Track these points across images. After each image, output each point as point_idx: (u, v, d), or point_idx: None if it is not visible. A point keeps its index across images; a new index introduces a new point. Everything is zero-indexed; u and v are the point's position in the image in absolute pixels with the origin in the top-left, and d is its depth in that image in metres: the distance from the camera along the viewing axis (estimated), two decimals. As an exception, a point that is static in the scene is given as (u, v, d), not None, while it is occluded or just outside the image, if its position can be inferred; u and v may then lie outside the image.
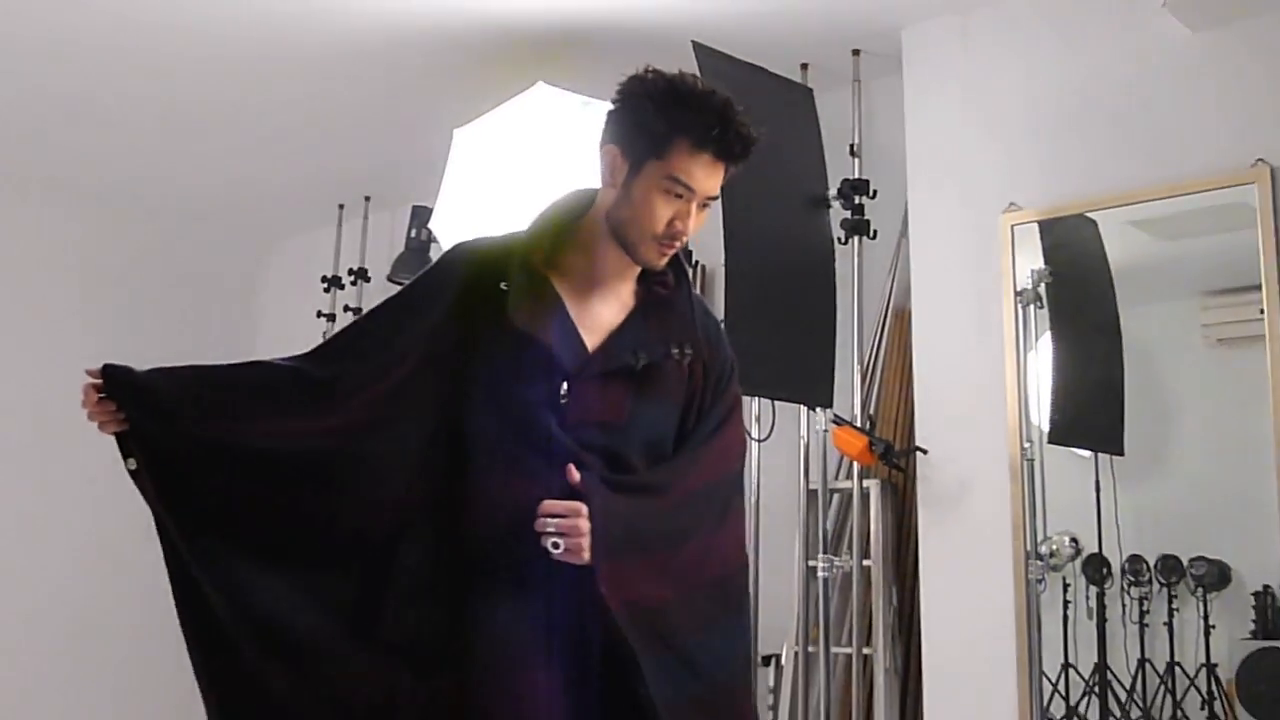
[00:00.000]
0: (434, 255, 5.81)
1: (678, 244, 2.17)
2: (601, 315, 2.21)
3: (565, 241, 2.22)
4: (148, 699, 6.65)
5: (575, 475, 2.04)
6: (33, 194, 6.52)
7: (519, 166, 4.14)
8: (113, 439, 2.14)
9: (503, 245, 2.22)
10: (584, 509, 2.02)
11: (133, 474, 2.11)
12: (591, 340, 2.17)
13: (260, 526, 2.12)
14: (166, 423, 2.12)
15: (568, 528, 2.01)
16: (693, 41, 4.09)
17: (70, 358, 6.56)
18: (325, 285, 6.70)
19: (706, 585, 2.21)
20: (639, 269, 2.24)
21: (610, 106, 2.20)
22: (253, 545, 2.11)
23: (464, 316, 2.14)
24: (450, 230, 4.41)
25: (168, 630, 2.22)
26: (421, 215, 5.85)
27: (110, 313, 6.78)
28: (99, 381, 2.10)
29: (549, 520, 2.01)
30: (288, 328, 7.15)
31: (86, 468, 6.49)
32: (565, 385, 2.11)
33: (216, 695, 2.15)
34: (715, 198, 2.17)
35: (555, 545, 2.01)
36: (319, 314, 6.73)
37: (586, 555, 2.01)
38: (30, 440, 6.40)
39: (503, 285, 2.12)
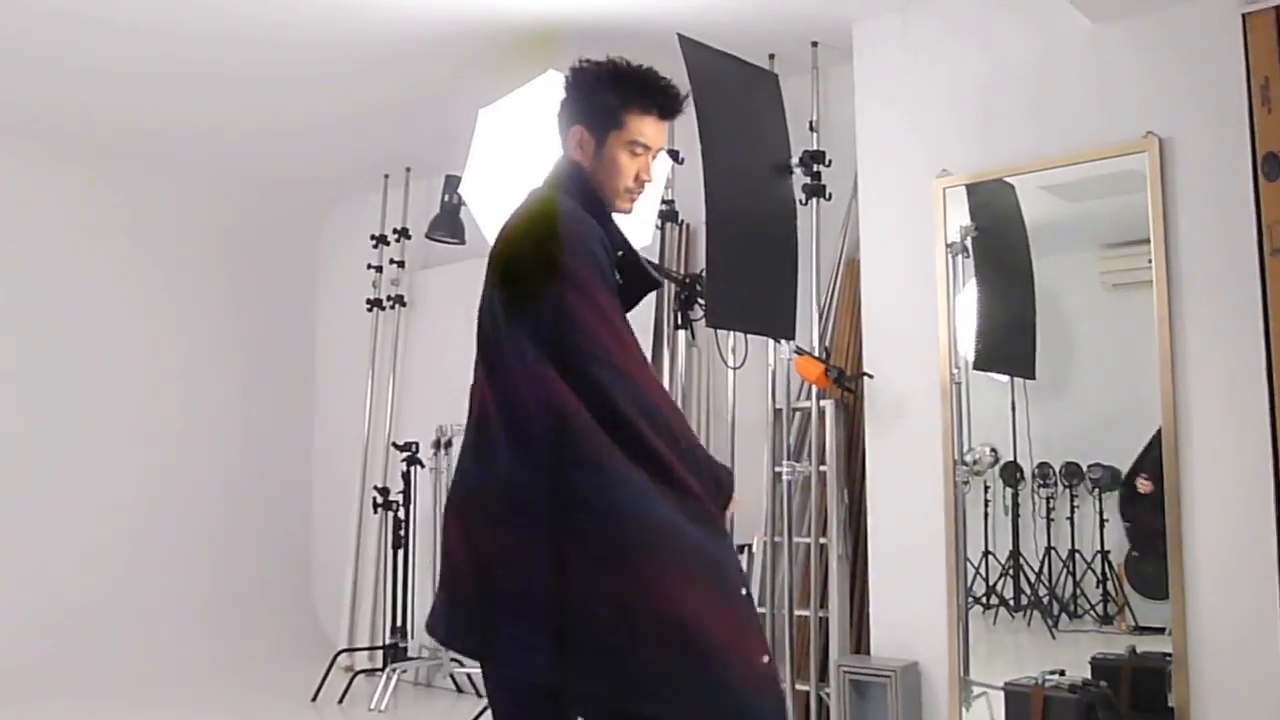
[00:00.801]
0: (463, 217, 5.92)
1: (642, 190, 2.27)
2: None
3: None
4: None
5: None
6: (134, 168, 6.59)
7: (532, 141, 4.15)
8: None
9: (593, 211, 2.21)
10: None
11: None
12: None
13: None
14: None
15: None
16: (678, 34, 4.09)
17: (173, 299, 6.75)
18: (373, 242, 6.75)
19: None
20: None
21: (564, 94, 2.28)
22: None
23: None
24: (476, 194, 4.43)
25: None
26: (453, 183, 5.87)
27: (201, 265, 6.88)
28: None
29: None
30: (342, 277, 7.28)
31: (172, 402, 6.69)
32: None
33: None
34: (663, 148, 2.27)
35: None
36: (368, 266, 6.81)
37: None
38: (135, 384, 6.55)
39: (619, 251, 2.20)
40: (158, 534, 6.55)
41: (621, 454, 1.96)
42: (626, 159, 2.20)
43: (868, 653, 4.52)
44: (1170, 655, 3.82)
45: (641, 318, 5.40)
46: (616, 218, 2.29)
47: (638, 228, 4.11)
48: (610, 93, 2.20)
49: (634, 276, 2.22)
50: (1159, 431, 3.92)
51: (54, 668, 5.78)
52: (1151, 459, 3.99)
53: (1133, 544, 4.23)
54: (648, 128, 2.20)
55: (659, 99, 2.21)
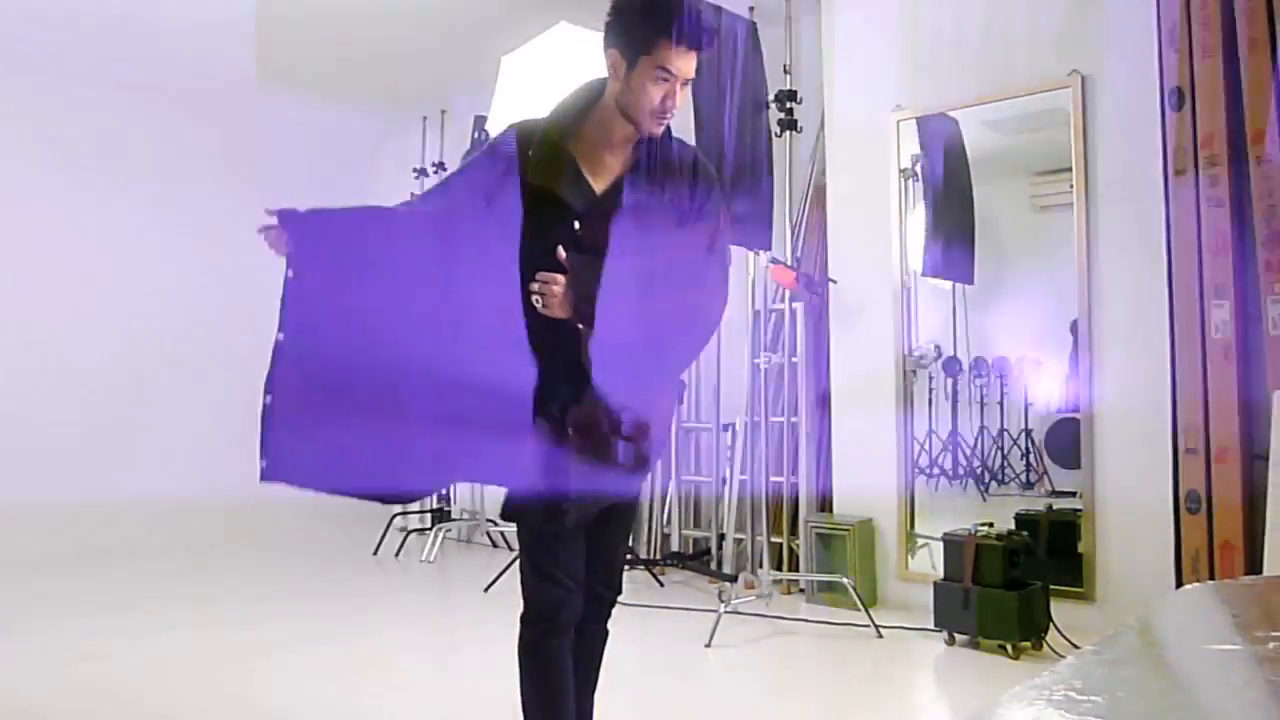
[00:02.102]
0: (492, 150, 5.88)
1: (668, 116, 2.07)
2: (612, 169, 2.12)
3: (584, 118, 2.11)
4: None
5: (561, 254, 2.00)
6: (197, 106, 6.51)
7: (548, 83, 4.15)
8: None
9: (534, 124, 2.13)
10: (561, 279, 1.98)
11: (288, 280, 2.08)
12: (599, 186, 2.10)
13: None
14: (321, 235, 2.19)
15: (546, 291, 2.00)
16: None
17: (232, 228, 6.71)
18: (415, 174, 6.72)
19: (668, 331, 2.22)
20: (637, 137, 2.13)
21: (607, 20, 2.11)
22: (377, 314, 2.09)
23: (510, 174, 2.05)
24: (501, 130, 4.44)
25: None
26: (480, 122, 5.84)
27: (274, 196, 6.80)
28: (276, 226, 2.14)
29: (540, 284, 2.01)
30: (390, 204, 7.25)
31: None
32: (577, 223, 2.05)
33: None
34: (692, 78, 2.07)
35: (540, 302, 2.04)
36: (412, 195, 6.77)
37: (555, 313, 2.02)
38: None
39: (530, 153, 2.06)
40: (241, 424, 6.57)
41: None
42: (653, 85, 2.02)
43: (831, 511, 4.59)
44: (1080, 511, 3.88)
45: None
46: None
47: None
48: (643, 21, 2.02)
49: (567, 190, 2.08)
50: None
51: (162, 530, 5.89)
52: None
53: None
54: (676, 57, 2.01)
55: (688, 29, 2.01)
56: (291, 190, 6.96)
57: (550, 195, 2.06)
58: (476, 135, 5.96)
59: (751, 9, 4.74)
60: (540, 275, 1.99)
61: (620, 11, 2.06)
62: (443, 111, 6.65)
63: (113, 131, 6.16)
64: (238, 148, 6.71)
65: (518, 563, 2.11)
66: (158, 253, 6.29)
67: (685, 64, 2.02)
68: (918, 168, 4.45)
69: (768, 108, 4.47)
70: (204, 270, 6.41)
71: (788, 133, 4.61)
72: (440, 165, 6.64)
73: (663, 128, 2.08)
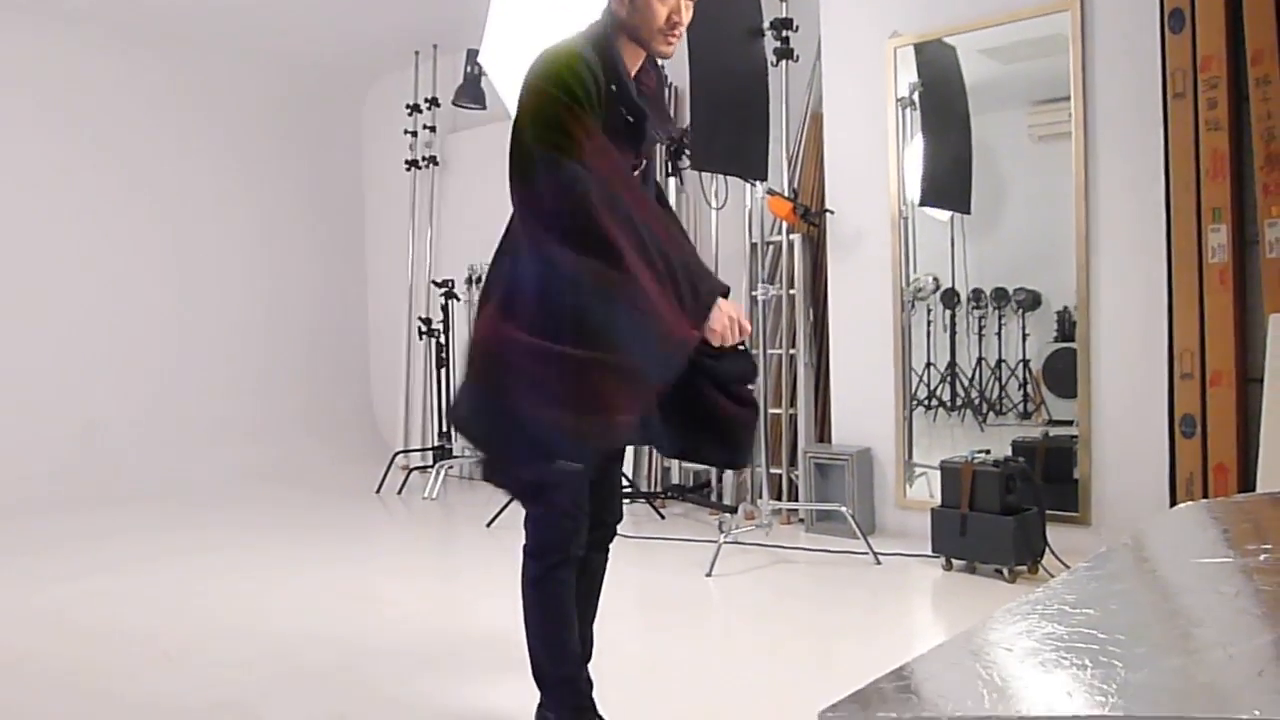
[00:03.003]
0: (484, 85, 5.82)
1: (678, 32, 2.03)
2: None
3: (610, 46, 2.04)
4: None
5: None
6: (204, 54, 6.41)
7: (539, 14, 4.09)
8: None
9: (600, 55, 2.01)
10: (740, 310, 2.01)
11: None
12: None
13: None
14: None
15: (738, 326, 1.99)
16: None
17: (242, 165, 6.69)
18: (408, 110, 6.66)
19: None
20: (637, 69, 2.10)
21: None
22: None
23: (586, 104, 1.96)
24: (493, 63, 4.34)
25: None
26: (473, 56, 5.77)
27: (263, 136, 6.76)
28: None
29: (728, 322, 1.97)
30: (382, 141, 7.16)
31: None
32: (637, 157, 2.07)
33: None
34: None
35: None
36: (405, 131, 6.72)
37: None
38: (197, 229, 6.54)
39: (613, 87, 1.99)
40: (245, 369, 6.62)
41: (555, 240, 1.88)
42: (658, 3, 1.98)
43: (829, 442, 4.62)
44: (1076, 438, 3.91)
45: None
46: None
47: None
48: None
49: (635, 112, 2.03)
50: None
51: (172, 474, 5.94)
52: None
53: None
54: None
55: None
56: (285, 130, 6.96)
57: (632, 128, 2.03)
58: (469, 70, 5.91)
59: (746, -65, 4.64)
60: (729, 310, 1.96)
61: None
62: (434, 45, 6.55)
63: (65, 57, 6.05)
64: (227, 86, 6.63)
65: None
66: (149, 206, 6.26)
67: None
68: (915, 96, 4.39)
69: (763, 36, 4.39)
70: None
71: (784, 61, 4.54)
72: (434, 100, 6.57)
73: (673, 47, 2.05)
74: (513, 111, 2.03)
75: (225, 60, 6.60)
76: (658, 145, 2.14)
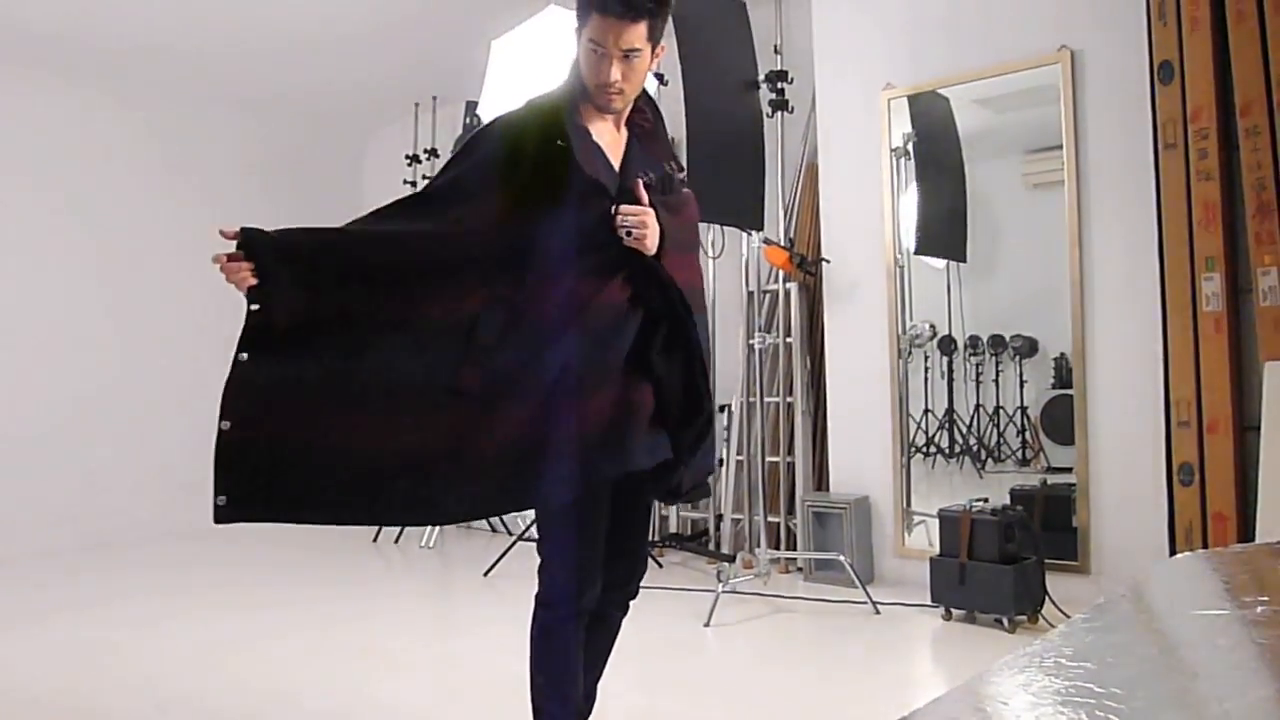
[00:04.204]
0: (484, 136, 5.86)
1: (612, 90, 1.97)
2: (614, 145, 2.06)
3: (583, 99, 2.02)
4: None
5: (643, 193, 1.96)
6: (207, 103, 6.49)
7: (537, 66, 4.12)
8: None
9: (549, 107, 2.00)
10: (652, 213, 1.94)
11: (251, 313, 1.83)
12: (615, 162, 2.04)
13: (355, 324, 1.90)
14: (291, 261, 1.86)
15: (638, 223, 1.93)
16: None
17: (230, 213, 6.74)
18: (408, 160, 6.68)
19: (698, 286, 2.17)
20: (630, 111, 2.08)
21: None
22: (347, 336, 1.90)
23: (521, 164, 1.94)
24: (492, 115, 4.39)
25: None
26: (472, 107, 5.82)
27: (261, 183, 6.80)
28: (238, 251, 1.82)
29: (627, 216, 1.93)
30: (382, 191, 7.14)
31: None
32: (614, 208, 1.97)
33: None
34: (635, 50, 1.93)
35: (629, 233, 1.93)
36: (404, 181, 6.76)
37: (651, 245, 1.95)
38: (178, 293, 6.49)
39: (560, 142, 1.94)
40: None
41: None
42: (589, 59, 1.94)
43: (827, 490, 4.61)
44: (1075, 486, 3.90)
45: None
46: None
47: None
48: None
49: (580, 170, 1.96)
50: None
51: (157, 519, 5.90)
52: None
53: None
54: (605, 30, 1.90)
55: (612, 0, 1.88)
56: (284, 180, 7.00)
57: (590, 183, 1.98)
58: (468, 120, 5.97)
59: (741, -11, 4.73)
60: (625, 209, 1.94)
61: None
62: (434, 97, 6.61)
63: (64, 107, 6.09)
64: (226, 133, 6.70)
65: (537, 546, 2.07)
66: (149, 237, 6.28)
67: (614, 36, 1.90)
68: (909, 146, 4.43)
69: (758, 88, 4.45)
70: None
71: (779, 113, 4.60)
72: (433, 151, 6.63)
73: (614, 102, 2.00)
74: None
75: (227, 110, 6.68)
76: (656, 182, 2.05)
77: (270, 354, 1.86)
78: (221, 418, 1.84)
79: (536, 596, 2.05)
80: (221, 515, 1.86)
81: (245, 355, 1.84)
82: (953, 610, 3.70)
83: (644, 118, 2.13)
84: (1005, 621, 3.52)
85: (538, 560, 2.05)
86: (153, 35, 5.41)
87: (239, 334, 1.84)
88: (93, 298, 6.02)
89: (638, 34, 1.92)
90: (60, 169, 5.92)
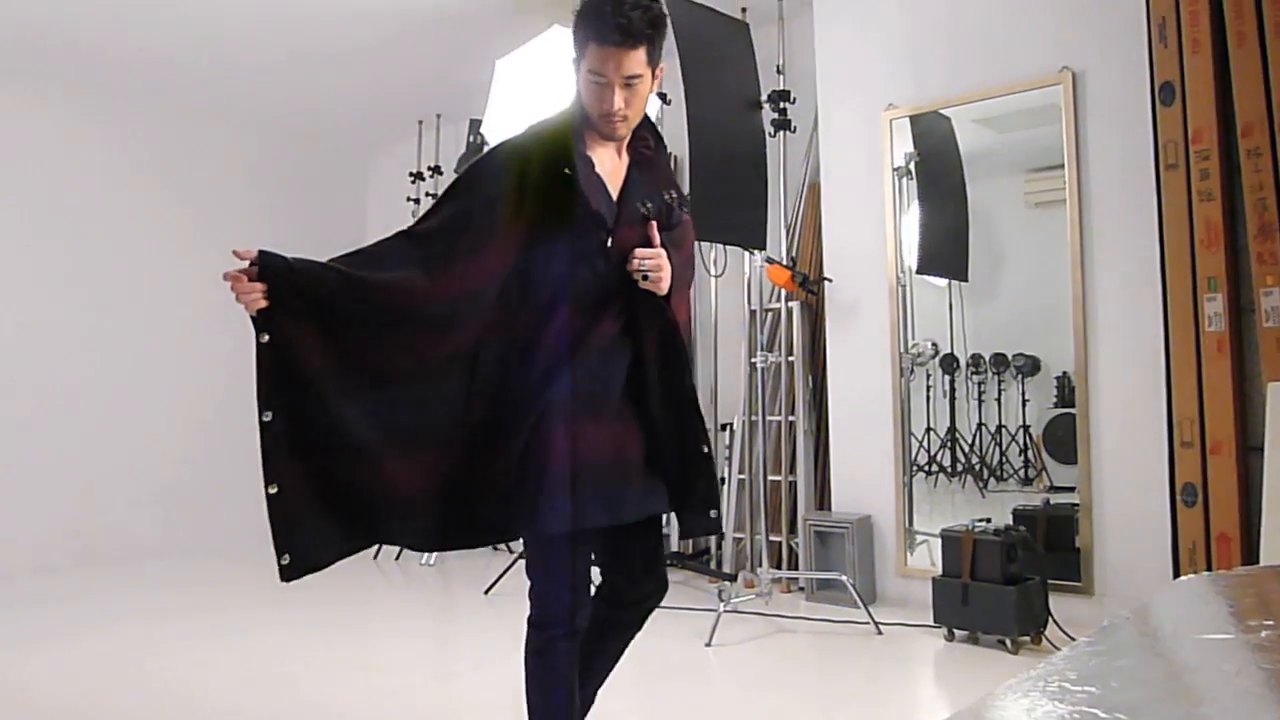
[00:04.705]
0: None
1: (615, 118, 1.98)
2: (615, 174, 2.07)
3: (585, 126, 2.04)
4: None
5: (655, 234, 1.99)
6: (213, 121, 6.52)
7: (541, 86, 4.15)
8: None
9: (553, 133, 2.02)
10: (664, 254, 1.97)
11: (263, 345, 1.83)
12: (614, 191, 2.05)
13: (368, 363, 1.92)
14: (303, 294, 1.86)
15: (654, 266, 1.96)
16: None
17: (240, 235, 6.78)
18: (411, 178, 6.71)
19: (685, 321, 2.17)
20: (631, 137, 2.10)
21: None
22: (362, 375, 1.92)
23: (525, 193, 1.96)
24: (496, 134, 4.42)
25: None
26: (476, 125, 5.82)
27: (265, 199, 6.84)
28: (252, 269, 1.82)
29: (644, 260, 1.96)
30: (386, 208, 7.23)
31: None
32: (609, 239, 2.00)
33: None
34: (636, 76, 1.95)
35: (644, 276, 1.96)
36: (408, 199, 6.79)
37: (665, 287, 1.99)
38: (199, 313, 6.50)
39: (566, 170, 1.96)
40: (238, 425, 6.57)
41: None
42: (590, 89, 1.96)
43: (829, 509, 4.59)
44: (1078, 506, 3.88)
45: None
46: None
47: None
48: (577, 28, 1.97)
49: (585, 197, 1.98)
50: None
51: (152, 537, 5.89)
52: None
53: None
54: (604, 58, 1.92)
55: (611, 28, 1.90)
56: (288, 196, 7.05)
57: (587, 212, 1.99)
58: (472, 138, 5.98)
59: (744, 10, 4.75)
60: (641, 251, 1.97)
61: (574, 22, 2.02)
62: (438, 115, 6.64)
63: (65, 122, 6.11)
64: (229, 151, 6.73)
65: (526, 568, 2.07)
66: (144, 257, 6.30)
67: (614, 64, 1.92)
68: (911, 166, 4.44)
69: (761, 108, 4.47)
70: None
71: (781, 132, 4.62)
72: (436, 169, 6.65)
73: (618, 129, 2.02)
74: None
75: (231, 126, 6.71)
76: (657, 211, 2.06)
77: (291, 406, 1.87)
78: (267, 483, 1.85)
79: (529, 619, 2.06)
80: (288, 574, 1.91)
81: (269, 416, 1.85)
82: (955, 631, 3.68)
83: (645, 144, 2.14)
84: (1008, 643, 3.50)
85: (528, 582, 2.06)
86: (161, 51, 5.45)
87: (255, 387, 1.83)
88: (94, 314, 6.02)
89: (637, 60, 1.94)
90: (62, 185, 5.93)
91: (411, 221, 6.20)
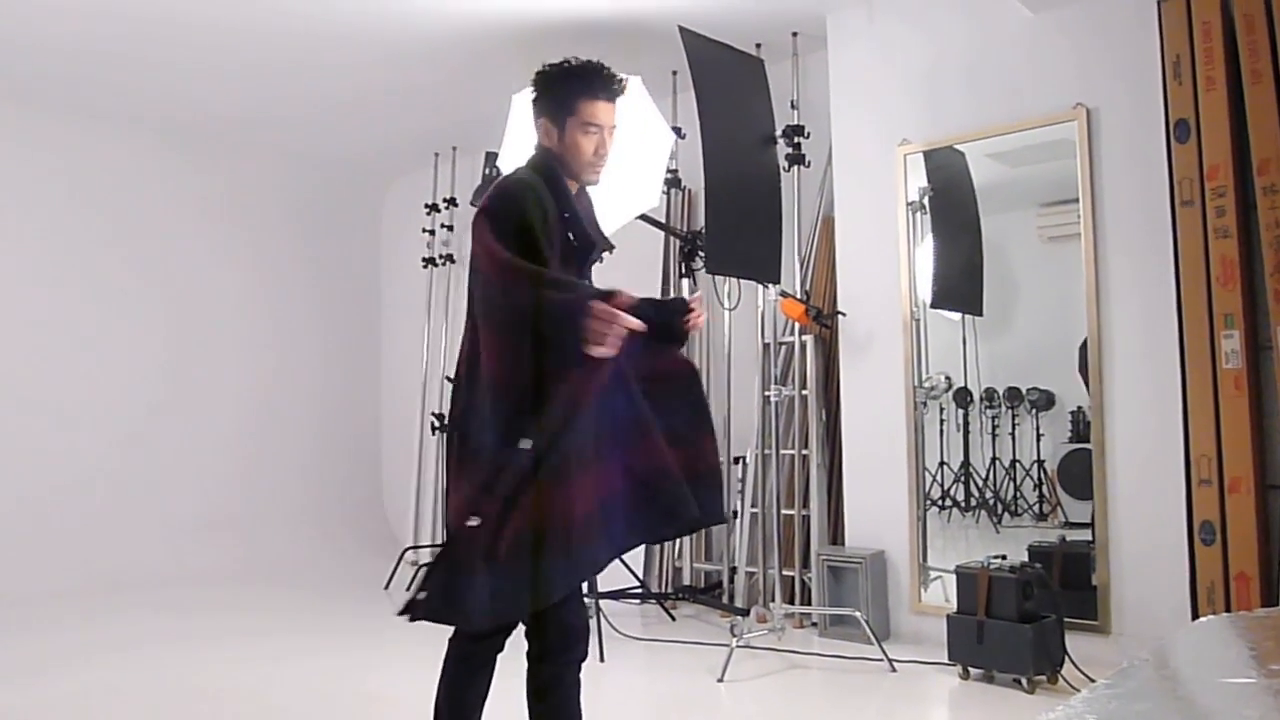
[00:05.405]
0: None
1: (602, 163, 2.25)
2: (585, 208, 2.33)
3: (564, 169, 2.24)
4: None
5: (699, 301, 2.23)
6: (229, 152, 6.60)
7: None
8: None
9: (542, 182, 2.19)
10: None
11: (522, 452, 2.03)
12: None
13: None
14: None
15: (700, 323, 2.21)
16: (679, 26, 4.07)
17: (257, 264, 6.85)
18: (426, 209, 6.76)
19: None
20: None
21: (531, 97, 2.27)
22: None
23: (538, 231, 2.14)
24: (512, 167, 4.44)
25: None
26: (491, 158, 5.83)
27: (286, 233, 6.91)
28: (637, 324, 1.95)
29: (699, 317, 2.20)
30: (400, 239, 7.29)
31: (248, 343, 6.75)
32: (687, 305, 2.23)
33: None
34: (614, 125, 2.25)
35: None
36: (423, 230, 6.83)
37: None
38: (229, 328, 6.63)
39: (565, 215, 2.19)
40: (259, 459, 6.62)
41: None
42: (583, 139, 2.20)
43: (843, 544, 4.56)
44: (1094, 542, 3.85)
45: (650, 269, 5.45)
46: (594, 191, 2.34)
47: (646, 192, 4.12)
48: (563, 87, 2.21)
49: (582, 235, 2.22)
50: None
51: (180, 563, 5.89)
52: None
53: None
54: (598, 111, 2.21)
55: (602, 86, 2.22)
56: (307, 227, 7.12)
57: (579, 249, 2.23)
58: (487, 170, 6.00)
59: (759, 46, 4.79)
60: (692, 299, 2.20)
61: (539, 87, 2.25)
62: (454, 148, 6.69)
63: (98, 150, 6.20)
64: (250, 183, 6.80)
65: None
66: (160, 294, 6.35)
67: (606, 115, 2.23)
68: (925, 200, 4.44)
69: (775, 142, 4.49)
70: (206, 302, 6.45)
71: (796, 167, 4.63)
72: (452, 200, 6.69)
73: (599, 174, 2.28)
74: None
75: (248, 158, 6.78)
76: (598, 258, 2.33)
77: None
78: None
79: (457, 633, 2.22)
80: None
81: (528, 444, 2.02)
82: (970, 669, 3.65)
83: (583, 199, 2.36)
84: (1024, 682, 3.46)
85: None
86: (211, 103, 5.68)
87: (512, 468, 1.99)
88: (119, 344, 6.07)
89: (617, 111, 2.26)
90: (128, 219, 6.14)
91: (426, 252, 6.23)
